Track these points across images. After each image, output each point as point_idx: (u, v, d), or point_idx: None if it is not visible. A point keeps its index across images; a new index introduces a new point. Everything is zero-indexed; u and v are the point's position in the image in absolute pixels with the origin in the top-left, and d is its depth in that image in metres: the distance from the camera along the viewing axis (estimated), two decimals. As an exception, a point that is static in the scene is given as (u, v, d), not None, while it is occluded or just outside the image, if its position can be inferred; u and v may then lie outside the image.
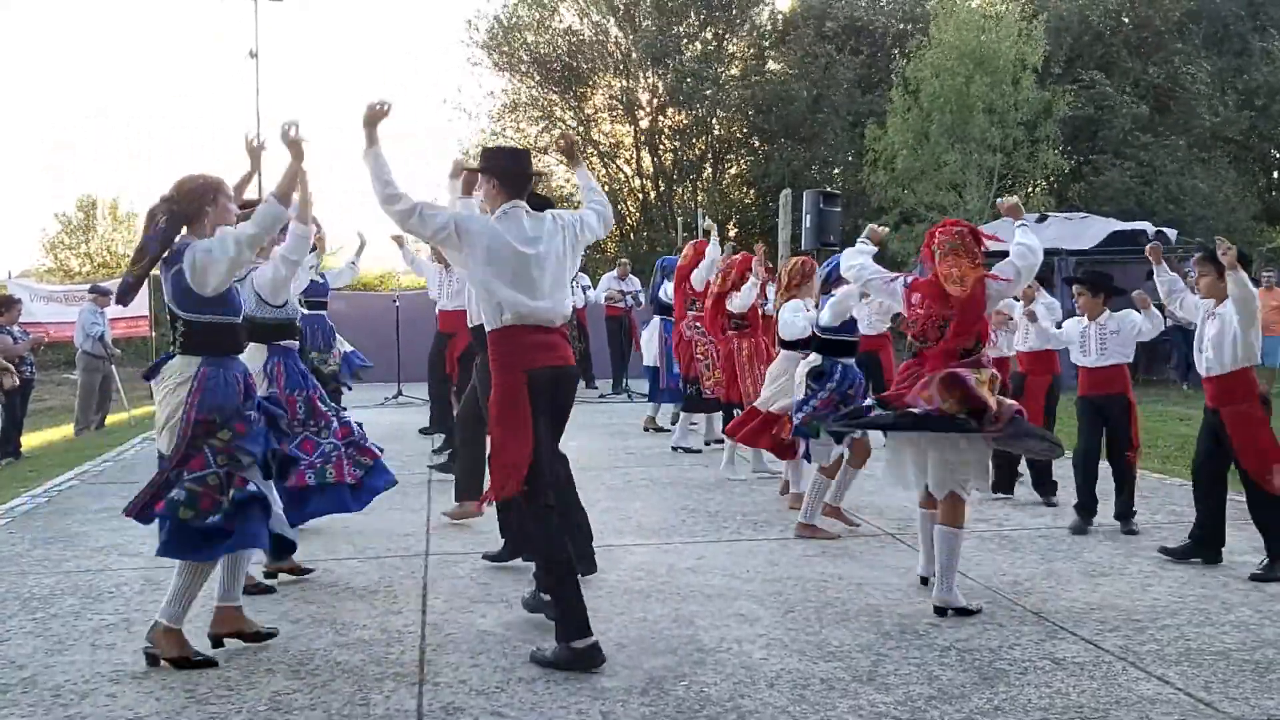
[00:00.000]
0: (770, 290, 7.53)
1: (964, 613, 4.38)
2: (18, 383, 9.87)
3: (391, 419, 11.22)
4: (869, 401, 4.73)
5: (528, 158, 4.37)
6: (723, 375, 7.82)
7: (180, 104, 44.00)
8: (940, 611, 4.40)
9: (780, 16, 26.79)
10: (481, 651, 3.97)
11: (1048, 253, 13.04)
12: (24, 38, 46.72)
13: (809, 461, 6.09)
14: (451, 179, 4.81)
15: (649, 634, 4.16)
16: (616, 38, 26.30)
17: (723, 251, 8.32)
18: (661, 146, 26.60)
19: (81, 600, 4.70)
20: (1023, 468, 6.85)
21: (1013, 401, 4.52)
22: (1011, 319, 6.55)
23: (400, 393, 13.09)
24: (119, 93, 51.14)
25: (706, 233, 8.49)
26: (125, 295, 3.97)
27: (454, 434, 8.39)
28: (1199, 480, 5.36)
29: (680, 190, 26.60)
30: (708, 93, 24.83)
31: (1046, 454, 4.91)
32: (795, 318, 6.13)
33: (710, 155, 27.02)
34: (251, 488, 3.80)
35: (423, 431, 9.40)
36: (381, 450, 5.29)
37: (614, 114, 26.74)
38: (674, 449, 8.83)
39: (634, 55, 25.75)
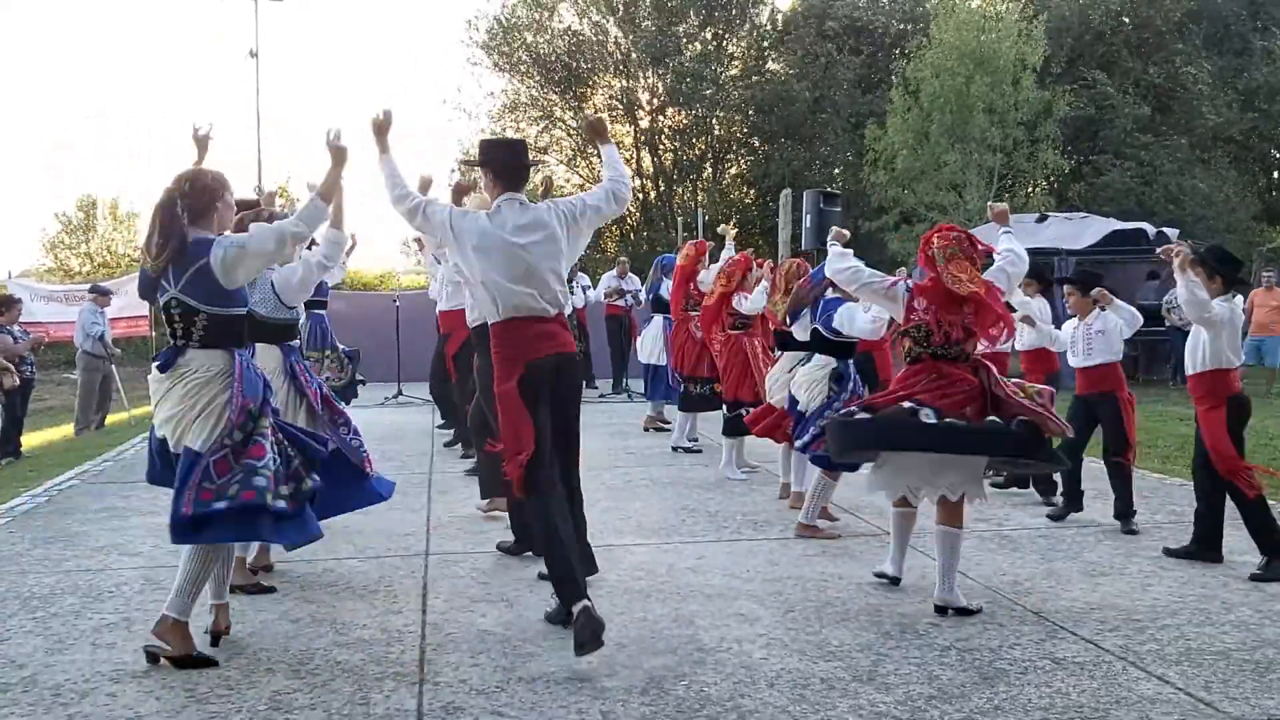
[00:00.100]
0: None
1: (964, 612, 4.39)
2: (18, 382, 9.87)
3: (392, 419, 11.23)
4: (852, 409, 4.65)
5: (524, 149, 4.46)
6: (729, 373, 7.81)
7: (180, 104, 44.00)
8: (941, 611, 4.40)
9: (780, 16, 26.81)
10: (481, 651, 3.97)
11: (1048, 253, 13.12)
12: (24, 38, 46.75)
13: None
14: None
15: (649, 634, 4.16)
16: (616, 38, 26.30)
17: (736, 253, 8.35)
18: (661, 146, 26.61)
19: (82, 599, 4.70)
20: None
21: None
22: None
23: (400, 392, 13.09)
24: (119, 93, 51.18)
25: (723, 237, 8.50)
26: (150, 291, 3.90)
27: (463, 427, 8.46)
28: (1198, 479, 5.37)
29: (680, 190, 26.61)
30: (708, 93, 24.83)
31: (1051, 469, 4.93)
32: (856, 315, 5.79)
33: (710, 155, 27.04)
34: (316, 479, 3.93)
35: (448, 445, 9.25)
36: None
37: (614, 114, 26.74)
38: (674, 449, 8.84)
39: (634, 55, 25.75)
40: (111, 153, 48.15)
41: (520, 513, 5.01)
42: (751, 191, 27.13)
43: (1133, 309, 6.03)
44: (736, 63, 26.80)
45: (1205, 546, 5.27)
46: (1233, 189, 22.59)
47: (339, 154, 4.20)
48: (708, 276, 8.34)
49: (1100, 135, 23.05)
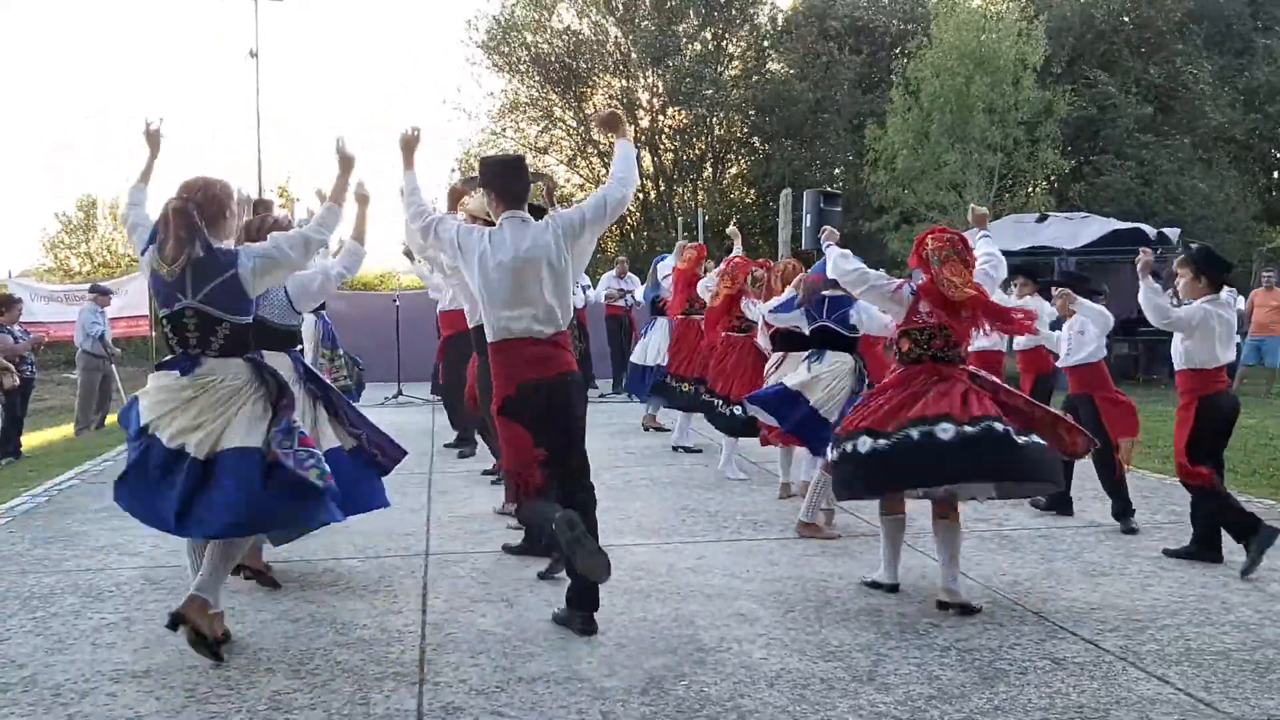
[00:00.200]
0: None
1: (966, 610, 4.38)
2: (18, 382, 9.87)
3: (392, 419, 11.20)
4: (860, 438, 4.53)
5: (524, 169, 4.46)
6: (731, 374, 7.81)
7: (180, 104, 43.99)
8: (944, 607, 4.40)
9: (781, 16, 26.80)
10: (481, 651, 3.97)
11: (1047, 252, 13.14)
12: (24, 38, 46.74)
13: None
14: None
15: (649, 634, 4.16)
16: (616, 38, 26.29)
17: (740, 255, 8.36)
18: (662, 146, 26.59)
19: (81, 599, 4.70)
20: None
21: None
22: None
23: (400, 392, 13.09)
24: (119, 93, 51.16)
25: (731, 238, 8.51)
26: (170, 298, 3.86)
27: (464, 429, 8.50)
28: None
29: (680, 190, 26.60)
30: (708, 93, 24.82)
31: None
32: (874, 311, 5.73)
33: (710, 155, 27.02)
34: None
35: (449, 446, 9.25)
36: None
37: (614, 113, 26.68)
38: (674, 449, 8.85)
39: (633, 55, 25.74)
40: (111, 153, 48.17)
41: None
42: (752, 191, 27.11)
43: (1101, 309, 6.03)
44: (736, 63, 26.78)
45: (1205, 546, 5.27)
46: (1233, 189, 22.59)
47: (346, 162, 4.36)
48: (706, 284, 8.36)
49: (1101, 135, 23.05)
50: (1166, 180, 21.66)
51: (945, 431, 4.19)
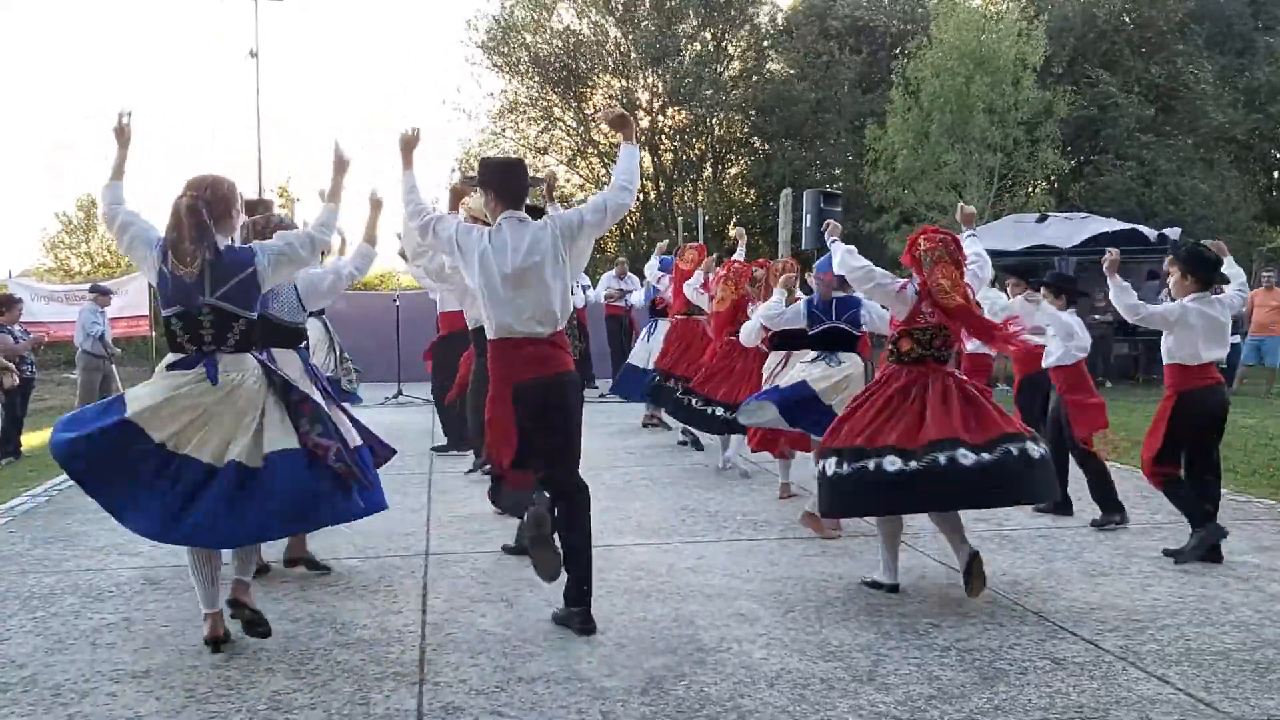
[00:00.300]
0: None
1: (977, 565, 4.50)
2: (18, 382, 9.86)
3: (392, 419, 11.22)
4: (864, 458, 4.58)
5: (523, 170, 4.48)
6: (733, 378, 7.83)
7: (180, 104, 44.01)
8: (968, 576, 4.50)
9: (781, 16, 26.78)
10: (481, 651, 3.97)
11: (1047, 251, 13.12)
12: (24, 38, 46.70)
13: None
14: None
15: (649, 634, 4.16)
16: (615, 38, 26.28)
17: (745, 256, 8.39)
18: (661, 146, 26.58)
19: (81, 599, 4.70)
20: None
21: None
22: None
23: (400, 392, 13.09)
24: (119, 93, 51.12)
25: (736, 239, 8.54)
26: (194, 298, 3.85)
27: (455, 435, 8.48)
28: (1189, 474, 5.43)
29: (680, 190, 26.59)
30: (708, 93, 24.82)
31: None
32: (883, 314, 5.82)
33: (710, 155, 27.01)
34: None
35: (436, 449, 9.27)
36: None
37: (614, 114, 26.67)
38: (680, 444, 8.94)
39: (633, 56, 25.73)
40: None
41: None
42: (752, 191, 27.09)
43: (1053, 311, 6.09)
44: (736, 63, 26.77)
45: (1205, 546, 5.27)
46: (1234, 189, 22.58)
47: (341, 164, 4.43)
48: (693, 284, 8.41)
49: (1102, 135, 23.04)
50: (1167, 180, 21.65)
51: (965, 458, 4.29)
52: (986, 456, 4.28)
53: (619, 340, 13.36)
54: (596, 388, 13.74)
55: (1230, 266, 5.66)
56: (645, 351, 10.12)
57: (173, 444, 3.76)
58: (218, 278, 3.85)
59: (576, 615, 4.16)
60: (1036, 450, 4.41)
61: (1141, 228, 15.28)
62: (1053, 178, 22.01)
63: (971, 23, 19.22)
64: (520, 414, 4.12)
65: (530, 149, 25.78)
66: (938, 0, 20.85)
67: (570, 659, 3.86)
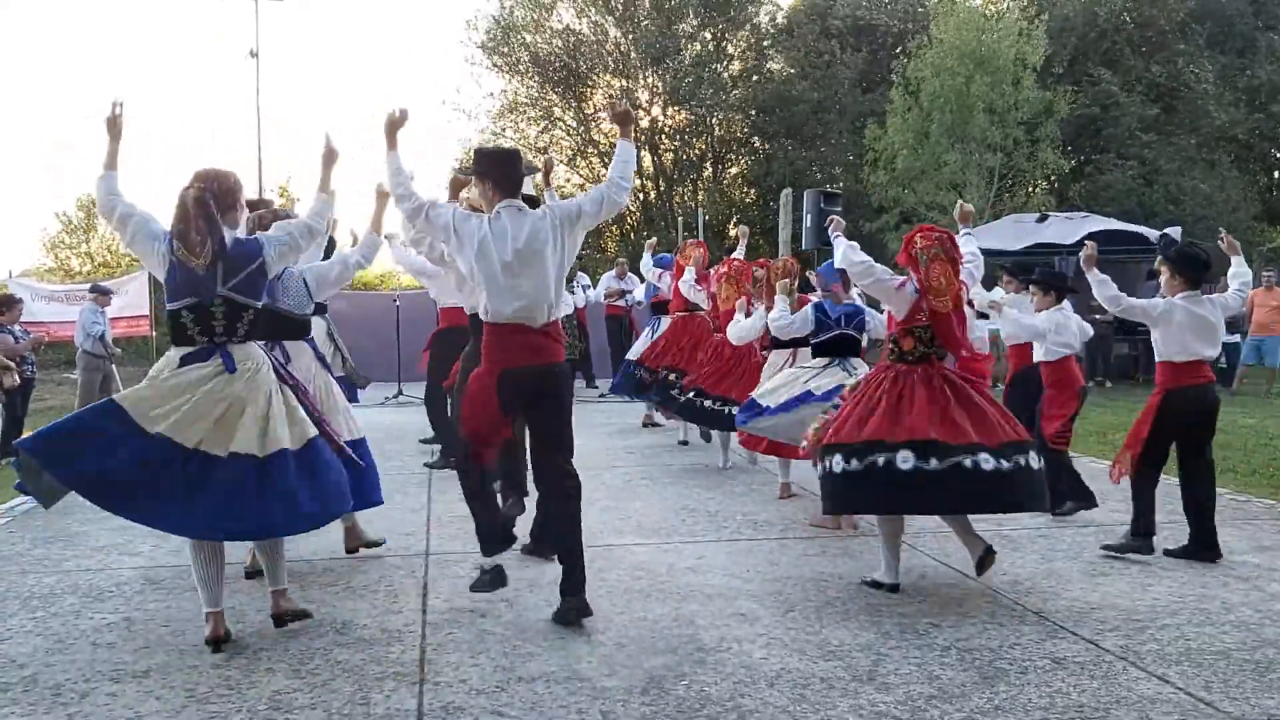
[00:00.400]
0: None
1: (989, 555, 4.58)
2: (18, 382, 9.85)
3: (392, 419, 11.23)
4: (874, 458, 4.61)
5: (519, 159, 4.49)
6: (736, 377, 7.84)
7: (180, 104, 43.96)
8: (983, 561, 4.61)
9: (781, 15, 26.78)
10: (481, 651, 3.97)
11: (1048, 251, 13.10)
12: (24, 38, 46.68)
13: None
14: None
15: (649, 634, 4.16)
16: (615, 38, 26.28)
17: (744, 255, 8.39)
18: (661, 146, 26.58)
19: (82, 599, 4.70)
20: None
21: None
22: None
23: (400, 392, 13.10)
24: (119, 93, 51.06)
25: (737, 239, 8.55)
26: (210, 290, 3.89)
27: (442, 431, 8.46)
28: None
29: (680, 190, 26.58)
30: (708, 93, 24.81)
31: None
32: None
33: (710, 155, 27.01)
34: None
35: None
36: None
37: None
38: (680, 443, 8.98)
39: (633, 55, 25.73)
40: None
41: (539, 513, 4.99)
42: (752, 191, 27.09)
43: (1014, 315, 6.11)
44: (736, 63, 26.76)
45: (1202, 546, 5.27)
46: (1234, 189, 22.57)
47: (330, 155, 4.52)
48: (688, 280, 8.42)
49: (1103, 134, 23.03)
50: (1168, 180, 21.64)
51: (986, 462, 4.34)
52: (1005, 464, 4.35)
53: (619, 340, 13.37)
54: (597, 387, 13.76)
55: (1239, 265, 5.70)
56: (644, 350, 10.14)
57: (207, 446, 3.79)
58: (231, 270, 3.92)
59: (572, 606, 4.19)
60: (1037, 461, 4.51)
61: (1142, 229, 15.28)
62: (1053, 177, 22.00)
63: (972, 22, 19.22)
64: (501, 395, 4.17)
65: (530, 149, 25.77)
66: (938, 0, 20.85)
67: (570, 659, 3.86)
